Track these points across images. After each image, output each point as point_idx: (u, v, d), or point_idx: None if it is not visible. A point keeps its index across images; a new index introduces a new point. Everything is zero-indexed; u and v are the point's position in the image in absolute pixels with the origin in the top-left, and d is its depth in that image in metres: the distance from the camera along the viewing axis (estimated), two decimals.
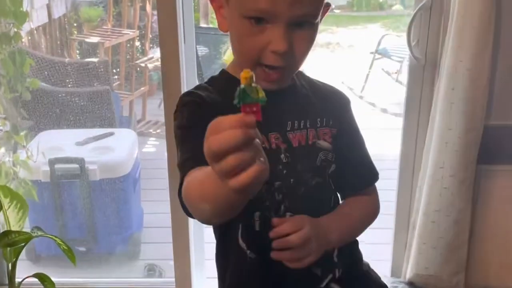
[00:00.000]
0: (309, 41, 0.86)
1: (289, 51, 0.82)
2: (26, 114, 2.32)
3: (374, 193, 1.02)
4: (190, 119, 0.86)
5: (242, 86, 0.57)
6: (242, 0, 0.82)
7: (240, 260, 0.91)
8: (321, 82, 1.01)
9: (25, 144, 2.15)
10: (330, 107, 0.96)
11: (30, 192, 2.12)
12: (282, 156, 0.90)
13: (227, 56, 3.20)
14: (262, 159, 0.58)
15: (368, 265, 1.03)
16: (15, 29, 1.96)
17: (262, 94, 0.58)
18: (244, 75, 0.57)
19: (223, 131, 0.55)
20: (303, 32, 0.84)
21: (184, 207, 0.78)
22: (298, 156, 0.91)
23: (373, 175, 1.01)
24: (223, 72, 0.96)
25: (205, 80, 0.99)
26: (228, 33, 0.89)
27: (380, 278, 1.03)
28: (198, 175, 0.72)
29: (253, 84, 0.57)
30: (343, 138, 0.96)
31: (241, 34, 0.85)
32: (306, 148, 0.92)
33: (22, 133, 2.16)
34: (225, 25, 0.89)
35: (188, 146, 0.83)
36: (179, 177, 0.82)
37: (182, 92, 1.73)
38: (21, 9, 1.96)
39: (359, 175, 1.00)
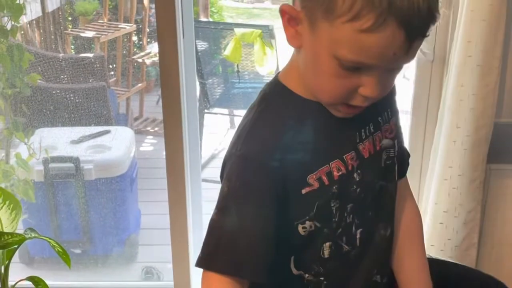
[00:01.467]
0: (395, 78, 0.83)
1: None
2: (27, 110, 2.33)
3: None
4: (247, 193, 0.82)
5: None
6: (341, 44, 0.74)
7: (296, 285, 0.91)
8: None
9: (27, 142, 2.14)
10: (387, 96, 0.94)
11: (27, 192, 2.12)
12: (355, 175, 0.88)
13: (228, 51, 3.20)
14: None
15: None
16: (12, 22, 1.95)
17: None
18: None
19: None
20: (394, 72, 0.81)
21: None
22: (368, 166, 0.90)
23: (408, 161, 1.06)
24: (280, 86, 0.88)
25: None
26: (297, 49, 0.84)
27: None
28: None
29: None
30: (398, 124, 0.98)
31: (328, 72, 0.78)
32: (375, 154, 0.92)
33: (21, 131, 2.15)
34: (298, 42, 0.81)
35: (231, 235, 0.82)
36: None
37: (181, 88, 1.74)
38: (17, 1, 1.94)
39: (404, 162, 1.03)
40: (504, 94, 1.73)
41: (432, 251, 1.83)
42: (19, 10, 1.94)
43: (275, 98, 0.88)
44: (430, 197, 1.81)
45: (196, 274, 2.00)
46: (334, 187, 0.85)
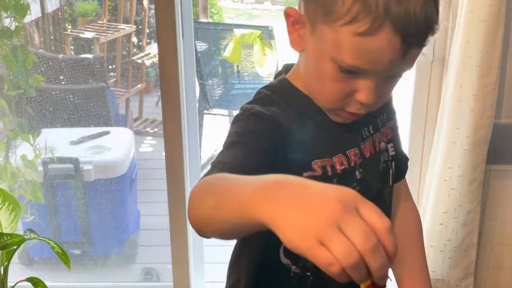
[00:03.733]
0: (393, 87, 0.84)
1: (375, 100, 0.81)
2: (32, 112, 2.32)
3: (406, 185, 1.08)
4: (251, 130, 0.83)
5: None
6: (339, 47, 0.75)
7: (282, 276, 0.91)
8: None
9: (32, 143, 2.14)
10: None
11: (36, 193, 2.11)
12: (357, 172, 0.89)
13: (228, 52, 3.21)
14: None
15: None
16: (16, 23, 1.93)
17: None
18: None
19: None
20: (391, 81, 0.82)
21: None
22: (369, 166, 0.91)
23: (407, 164, 1.06)
24: (286, 82, 0.91)
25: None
26: (300, 53, 0.85)
27: None
28: (229, 176, 0.69)
29: None
30: (395, 128, 0.99)
31: (326, 75, 0.79)
32: (375, 155, 0.93)
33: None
34: (300, 45, 0.83)
35: (233, 153, 0.81)
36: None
37: (180, 89, 1.75)
38: (21, 1, 1.92)
39: (401, 166, 1.03)
40: (503, 94, 1.73)
41: (431, 252, 1.83)
42: (23, 10, 1.91)
43: (282, 89, 0.89)
44: (429, 198, 1.81)
45: (196, 275, 2.00)
46: (334, 180, 0.86)
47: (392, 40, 0.72)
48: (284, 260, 0.90)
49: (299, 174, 0.83)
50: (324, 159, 0.86)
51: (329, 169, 0.86)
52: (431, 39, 0.77)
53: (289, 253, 0.90)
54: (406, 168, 1.06)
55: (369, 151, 0.91)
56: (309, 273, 0.91)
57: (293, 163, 0.83)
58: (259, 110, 0.84)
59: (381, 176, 0.95)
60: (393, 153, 0.97)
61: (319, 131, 0.87)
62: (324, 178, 0.86)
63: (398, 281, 1.04)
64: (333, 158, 0.87)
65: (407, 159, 1.07)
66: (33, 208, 2.28)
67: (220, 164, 0.78)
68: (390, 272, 1.03)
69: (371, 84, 0.78)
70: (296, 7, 0.84)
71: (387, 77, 0.80)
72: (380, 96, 0.81)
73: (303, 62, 0.85)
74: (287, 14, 0.82)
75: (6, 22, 1.94)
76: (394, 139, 0.98)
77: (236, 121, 0.85)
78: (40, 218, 2.34)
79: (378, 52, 0.74)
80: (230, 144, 0.82)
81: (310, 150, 0.86)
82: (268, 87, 0.91)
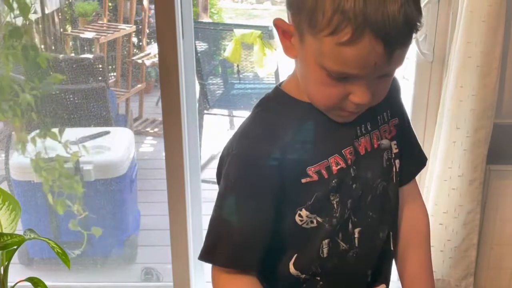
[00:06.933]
0: (389, 84, 0.85)
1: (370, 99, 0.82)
2: (58, 109, 2.31)
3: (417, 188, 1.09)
4: (245, 183, 0.86)
5: None
6: (325, 56, 0.77)
7: (290, 281, 0.93)
8: None
9: (60, 140, 2.14)
10: (386, 97, 0.94)
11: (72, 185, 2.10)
12: (351, 170, 0.90)
13: (228, 52, 3.20)
14: None
15: None
16: (25, 21, 1.91)
17: None
18: None
19: None
20: (384, 80, 0.83)
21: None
22: (365, 164, 0.91)
23: (425, 158, 1.08)
24: (280, 92, 0.92)
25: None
26: (295, 60, 0.87)
27: None
28: None
29: None
30: (402, 126, 0.99)
31: (318, 81, 0.82)
32: (372, 152, 0.93)
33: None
34: (293, 53, 0.85)
35: (237, 228, 0.86)
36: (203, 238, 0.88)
37: (180, 89, 1.74)
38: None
39: (414, 161, 1.05)
40: (503, 94, 1.73)
41: (431, 252, 1.82)
42: (26, 9, 1.89)
43: (274, 100, 0.91)
44: (429, 198, 1.81)
45: (196, 275, 2.00)
46: (333, 181, 0.87)
47: (374, 46, 0.74)
48: (294, 271, 0.91)
49: (298, 181, 0.86)
50: (318, 163, 0.87)
51: (324, 172, 0.87)
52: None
53: (298, 265, 0.91)
54: (416, 169, 1.07)
55: (364, 149, 0.91)
56: (318, 278, 0.92)
57: (290, 173, 0.86)
58: (247, 156, 0.86)
59: (385, 174, 0.94)
60: (396, 150, 0.97)
61: (313, 135, 0.89)
62: (322, 182, 0.87)
63: (402, 280, 1.04)
64: (329, 158, 0.87)
65: (424, 160, 1.08)
66: (29, 208, 2.28)
67: (230, 246, 0.85)
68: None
69: (363, 86, 0.80)
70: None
71: (379, 77, 0.81)
72: (376, 95, 0.82)
73: (298, 68, 0.87)
74: (276, 25, 0.85)
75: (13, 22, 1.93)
76: (399, 137, 0.98)
77: (226, 174, 0.87)
78: (38, 217, 2.34)
79: (364, 57, 0.75)
80: (230, 210, 0.86)
81: (305, 157, 0.87)
82: (261, 103, 0.92)
